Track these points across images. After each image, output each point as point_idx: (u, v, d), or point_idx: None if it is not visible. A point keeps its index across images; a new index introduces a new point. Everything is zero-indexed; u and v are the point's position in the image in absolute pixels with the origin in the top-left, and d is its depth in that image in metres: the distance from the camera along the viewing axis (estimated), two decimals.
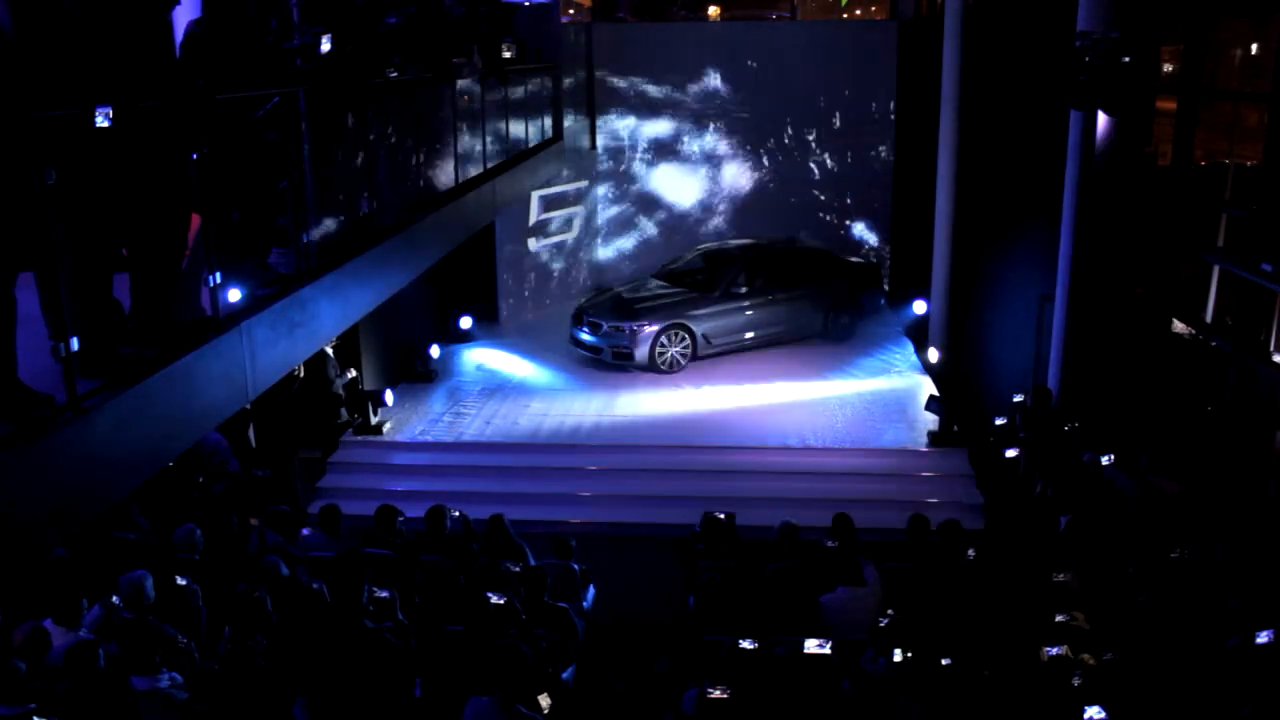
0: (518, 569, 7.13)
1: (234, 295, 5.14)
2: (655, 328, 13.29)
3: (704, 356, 13.59)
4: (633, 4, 19.31)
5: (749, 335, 13.91)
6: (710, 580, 6.73)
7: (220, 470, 8.53)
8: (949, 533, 7.58)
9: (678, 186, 16.55)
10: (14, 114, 3.58)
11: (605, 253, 17.02)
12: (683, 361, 13.46)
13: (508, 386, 13.19)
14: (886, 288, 15.73)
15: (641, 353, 13.25)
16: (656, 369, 13.30)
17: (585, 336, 13.70)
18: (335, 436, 11.56)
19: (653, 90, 16.35)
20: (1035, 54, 10.41)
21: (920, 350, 14.20)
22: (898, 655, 5.36)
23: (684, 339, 13.44)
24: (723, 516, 7.81)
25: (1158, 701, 4.96)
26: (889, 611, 6.11)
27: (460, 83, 9.02)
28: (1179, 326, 10.00)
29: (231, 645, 5.47)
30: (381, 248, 7.08)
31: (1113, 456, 7.51)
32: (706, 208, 16.50)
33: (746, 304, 13.86)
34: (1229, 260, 8.84)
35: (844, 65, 16.01)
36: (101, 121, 3.83)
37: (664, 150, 16.51)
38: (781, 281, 14.15)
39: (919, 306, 14.69)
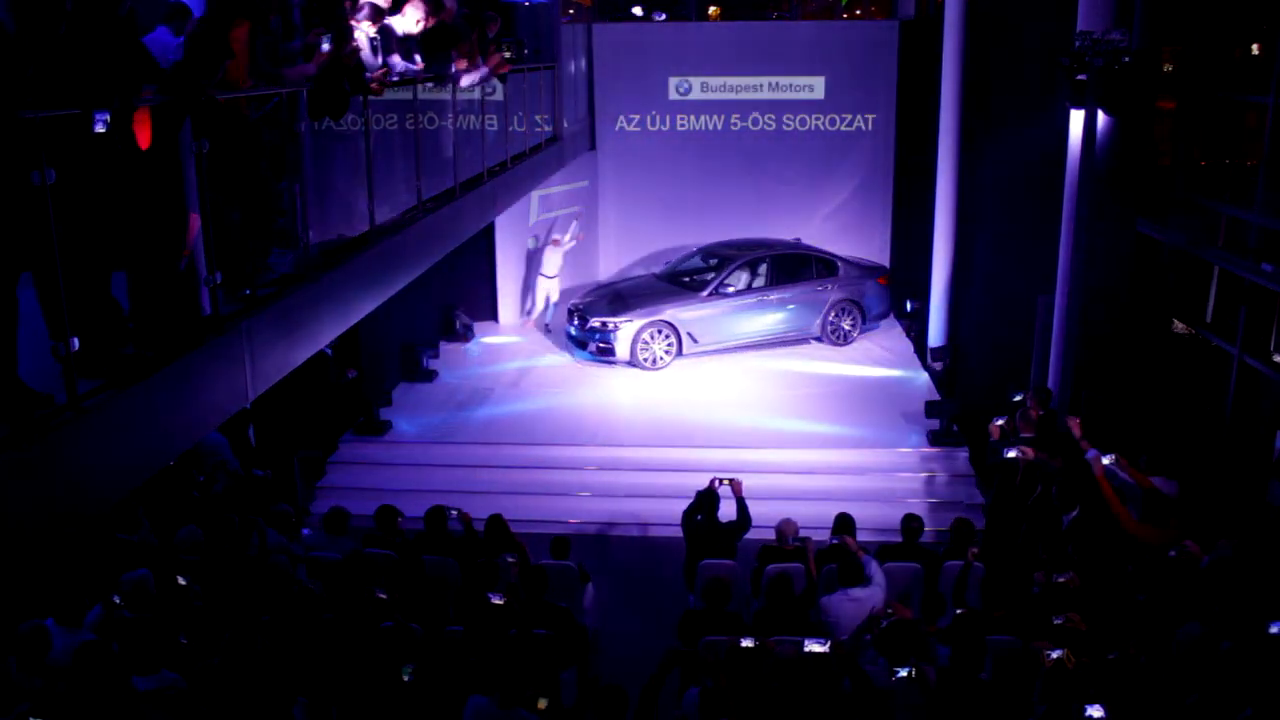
0: (513, 560, 7.16)
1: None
2: (637, 324, 13.31)
3: (691, 355, 13.59)
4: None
5: (739, 335, 13.91)
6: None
7: (220, 470, 8.53)
8: (960, 530, 7.57)
9: (678, 186, 16.53)
10: (14, 113, 3.59)
11: (605, 252, 17.02)
12: (667, 359, 13.46)
13: (507, 385, 13.21)
14: (886, 287, 15.71)
15: (623, 348, 13.27)
16: (639, 365, 13.31)
17: (575, 332, 13.77)
18: (335, 436, 11.57)
19: (652, 90, 16.34)
20: (1035, 54, 10.40)
21: (920, 350, 14.21)
22: (902, 673, 5.33)
23: (668, 336, 13.44)
24: (723, 482, 7.89)
25: (1158, 701, 4.96)
26: (889, 611, 6.10)
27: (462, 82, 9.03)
28: (1179, 326, 10.01)
29: (231, 645, 5.46)
30: (381, 248, 7.08)
31: (1114, 456, 7.50)
32: (708, 208, 16.47)
33: (738, 303, 13.86)
34: (1229, 260, 8.83)
35: (844, 65, 16.02)
36: (99, 128, 3.84)
37: (664, 150, 16.50)
38: (778, 282, 14.14)
39: (919, 306, 14.69)
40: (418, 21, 7.97)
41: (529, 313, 15.62)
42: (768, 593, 6.66)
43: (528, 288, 15.64)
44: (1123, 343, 9.94)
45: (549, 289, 15.12)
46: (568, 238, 15.07)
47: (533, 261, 15.53)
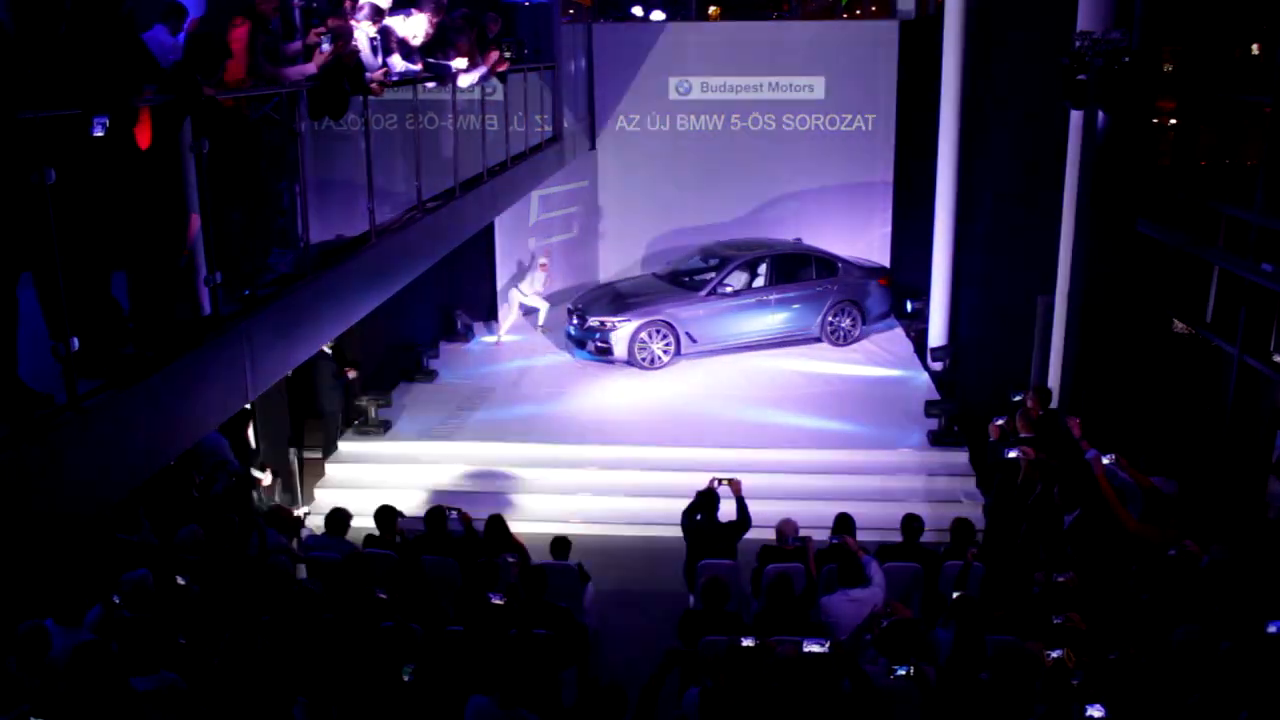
0: (513, 560, 7.15)
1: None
2: (635, 323, 13.32)
3: (690, 355, 13.59)
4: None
5: (738, 335, 13.90)
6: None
7: (220, 470, 8.52)
8: (960, 530, 7.57)
9: (679, 186, 16.53)
10: (14, 112, 3.58)
11: (605, 252, 17.01)
12: (665, 358, 13.47)
13: (507, 385, 13.20)
14: (888, 287, 15.71)
15: (621, 348, 13.29)
16: (637, 364, 13.32)
17: (574, 331, 13.80)
18: (335, 436, 11.57)
19: (652, 90, 16.34)
20: (1035, 54, 10.40)
21: (920, 350, 14.20)
22: (901, 671, 5.32)
23: (666, 336, 13.45)
24: (723, 482, 7.89)
25: (1158, 701, 4.95)
26: (889, 611, 6.09)
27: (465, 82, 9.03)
28: (1179, 326, 10.00)
29: (231, 645, 5.46)
30: (381, 248, 7.08)
31: (1114, 456, 7.50)
32: (708, 208, 16.47)
33: (736, 304, 13.86)
34: (1229, 260, 8.83)
35: (844, 65, 16.01)
36: (98, 131, 3.85)
37: (664, 150, 16.49)
38: (777, 283, 14.13)
39: (919, 307, 14.69)
40: (414, 37, 7.98)
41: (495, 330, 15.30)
42: (768, 593, 6.66)
43: (503, 298, 15.38)
44: (1123, 343, 9.94)
45: (525, 301, 15.03)
46: (543, 269, 14.87)
47: (516, 274, 15.40)
